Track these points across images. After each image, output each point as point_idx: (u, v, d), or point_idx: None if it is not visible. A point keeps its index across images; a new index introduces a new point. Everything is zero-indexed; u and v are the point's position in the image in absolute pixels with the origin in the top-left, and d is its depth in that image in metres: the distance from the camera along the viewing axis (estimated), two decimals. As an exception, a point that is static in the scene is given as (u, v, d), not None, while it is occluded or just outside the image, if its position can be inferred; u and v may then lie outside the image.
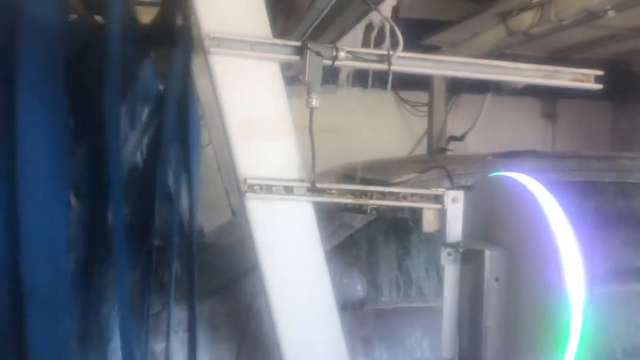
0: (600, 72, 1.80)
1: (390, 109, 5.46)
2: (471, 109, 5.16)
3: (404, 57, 1.69)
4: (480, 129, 5.08)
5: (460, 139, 5.12)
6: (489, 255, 1.67)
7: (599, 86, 1.80)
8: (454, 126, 5.25)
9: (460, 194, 1.76)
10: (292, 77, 3.46)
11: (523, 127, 5.76)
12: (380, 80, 4.34)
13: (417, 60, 1.73)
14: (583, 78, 1.81)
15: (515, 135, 5.60)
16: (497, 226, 1.77)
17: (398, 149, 5.19)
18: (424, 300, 2.29)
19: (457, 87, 5.13)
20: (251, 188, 1.65)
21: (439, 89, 5.00)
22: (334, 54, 1.63)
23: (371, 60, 1.70)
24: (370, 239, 2.29)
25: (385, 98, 5.33)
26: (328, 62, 1.64)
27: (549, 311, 1.55)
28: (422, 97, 5.34)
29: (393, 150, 5.15)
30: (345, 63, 1.67)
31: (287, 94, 1.71)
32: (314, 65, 1.62)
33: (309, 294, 1.72)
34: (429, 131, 5.11)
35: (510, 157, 2.56)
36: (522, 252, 1.66)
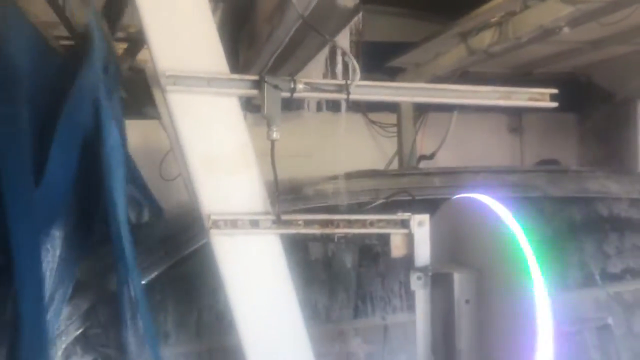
0: (554, 91, 1.84)
1: (360, 131, 5.49)
2: (439, 127, 5.22)
3: (361, 86, 1.71)
4: (449, 146, 5.14)
5: (431, 157, 5.17)
6: (458, 278, 1.68)
7: (554, 104, 1.84)
8: (424, 145, 5.30)
9: (426, 217, 1.76)
10: (259, 105, 3.48)
11: (491, 142, 5.84)
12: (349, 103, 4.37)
13: (375, 87, 1.75)
14: (539, 97, 1.85)
15: (484, 150, 5.68)
16: (464, 248, 1.77)
17: (370, 171, 5.20)
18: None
19: (424, 106, 5.19)
20: (215, 224, 1.63)
21: (407, 110, 5.06)
22: (292, 86, 1.64)
23: (330, 91, 1.71)
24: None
25: (355, 120, 5.36)
26: (287, 95, 1.65)
27: (519, 329, 1.56)
28: (391, 118, 5.39)
29: (365, 172, 5.19)
30: (304, 95, 1.68)
31: (252, 122, 1.71)
32: (272, 99, 1.63)
33: (279, 327, 1.70)
34: (399, 151, 5.15)
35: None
36: (490, 273, 1.67)
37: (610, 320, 2.46)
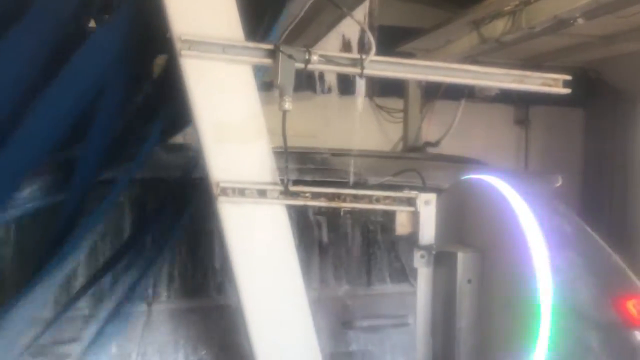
0: (568, 77, 1.83)
1: (366, 115, 5.49)
2: (446, 115, 5.22)
3: (376, 61, 1.70)
4: (454, 135, 5.14)
5: (435, 144, 5.18)
6: (462, 258, 1.69)
7: (567, 90, 1.84)
8: (429, 132, 5.30)
9: (432, 196, 1.77)
10: (268, 83, 3.46)
11: (497, 133, 5.84)
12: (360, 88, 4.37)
13: (390, 64, 1.74)
14: (552, 83, 1.84)
15: (489, 140, 5.68)
16: (469, 228, 1.78)
17: (374, 155, 5.20)
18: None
19: (432, 93, 5.18)
20: (224, 191, 1.63)
21: (414, 96, 5.06)
22: (307, 57, 1.63)
23: (344, 64, 1.70)
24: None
25: (362, 104, 5.36)
26: (301, 66, 1.64)
27: (520, 311, 1.57)
28: (397, 103, 5.39)
29: (369, 156, 5.19)
30: (318, 66, 1.67)
31: (263, 100, 1.71)
32: (286, 69, 1.62)
33: (282, 296, 1.71)
34: (405, 137, 5.16)
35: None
36: (493, 254, 1.68)
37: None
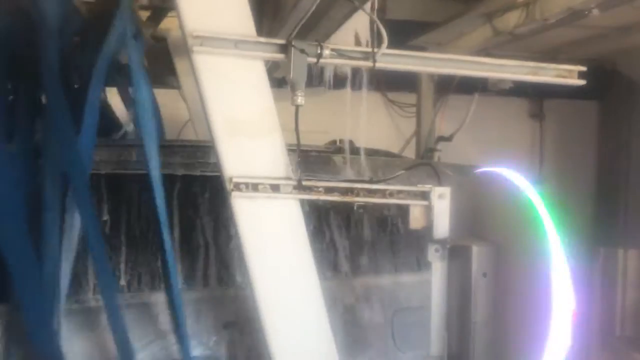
0: (583, 68, 1.81)
1: (378, 110, 5.47)
2: (459, 110, 5.18)
3: (389, 54, 1.70)
4: (468, 129, 5.10)
5: (449, 139, 5.13)
6: (476, 251, 1.68)
7: (582, 82, 1.82)
8: (443, 127, 5.27)
9: (447, 190, 1.76)
10: (280, 80, 3.47)
11: (511, 127, 5.79)
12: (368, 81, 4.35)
13: (402, 57, 1.73)
14: (566, 74, 1.82)
15: (503, 135, 5.63)
16: (483, 222, 1.77)
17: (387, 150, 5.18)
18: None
19: (445, 87, 5.15)
20: (237, 187, 1.64)
21: (427, 90, 5.03)
22: (319, 51, 1.63)
23: (356, 58, 1.70)
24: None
25: (374, 99, 5.34)
26: (313, 60, 1.64)
27: (535, 306, 1.56)
28: (410, 98, 5.36)
29: (382, 152, 5.16)
30: (330, 61, 1.67)
31: (275, 96, 1.71)
32: (298, 63, 1.62)
33: (297, 291, 1.72)
34: (418, 132, 5.13)
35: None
36: (509, 247, 1.67)
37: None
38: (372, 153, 2.54)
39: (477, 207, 1.79)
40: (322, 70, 3.43)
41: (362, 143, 2.51)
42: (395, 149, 5.25)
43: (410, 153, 5.25)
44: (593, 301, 5.74)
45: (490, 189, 1.74)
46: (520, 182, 1.64)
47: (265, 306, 1.68)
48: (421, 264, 2.33)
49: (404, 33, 4.58)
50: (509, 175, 1.68)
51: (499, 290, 1.67)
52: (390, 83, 5.14)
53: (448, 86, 5.07)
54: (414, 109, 5.27)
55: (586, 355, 4.66)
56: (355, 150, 2.41)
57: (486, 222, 1.76)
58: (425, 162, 2.07)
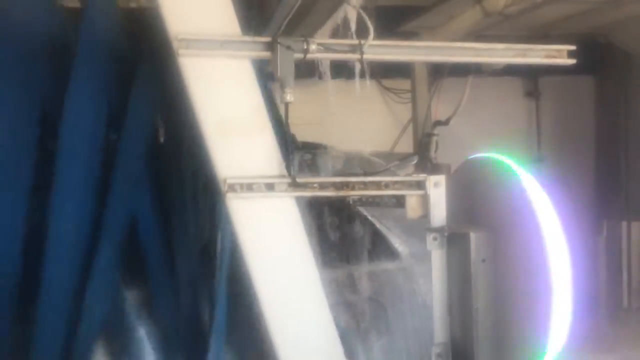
0: (572, 47, 1.80)
1: (374, 98, 5.44)
2: (454, 93, 5.13)
3: (376, 45, 1.69)
4: (464, 112, 5.06)
5: (446, 123, 5.10)
6: (474, 238, 1.68)
7: (572, 61, 1.80)
8: (439, 111, 5.24)
9: (442, 178, 1.76)
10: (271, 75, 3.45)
11: (507, 106, 5.76)
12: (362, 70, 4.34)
13: (389, 47, 1.73)
14: (556, 54, 1.81)
15: (500, 115, 5.61)
16: (480, 208, 1.77)
17: (384, 137, 5.18)
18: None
19: (439, 71, 5.12)
20: (231, 188, 1.64)
21: (421, 75, 5.00)
22: (305, 47, 1.62)
23: (343, 51, 1.69)
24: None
25: (369, 87, 5.31)
26: (300, 56, 1.63)
27: (535, 288, 1.56)
28: (404, 84, 5.32)
29: (380, 139, 5.16)
30: (317, 55, 1.66)
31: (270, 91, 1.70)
32: (285, 60, 1.61)
33: (298, 289, 1.72)
34: (414, 117, 5.11)
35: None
36: (506, 233, 1.67)
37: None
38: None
39: (472, 193, 1.79)
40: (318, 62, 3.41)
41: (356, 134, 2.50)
42: (393, 136, 5.25)
43: (408, 139, 5.24)
44: (599, 275, 5.76)
45: (484, 174, 1.74)
46: (513, 165, 1.64)
47: (268, 305, 1.69)
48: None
49: (394, 18, 4.55)
50: (502, 160, 1.67)
51: (498, 275, 1.68)
52: (384, 70, 5.11)
53: (442, 70, 5.04)
54: (409, 95, 5.25)
55: (594, 328, 4.67)
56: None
57: (482, 208, 1.76)
58: (414, 153, 2.07)
